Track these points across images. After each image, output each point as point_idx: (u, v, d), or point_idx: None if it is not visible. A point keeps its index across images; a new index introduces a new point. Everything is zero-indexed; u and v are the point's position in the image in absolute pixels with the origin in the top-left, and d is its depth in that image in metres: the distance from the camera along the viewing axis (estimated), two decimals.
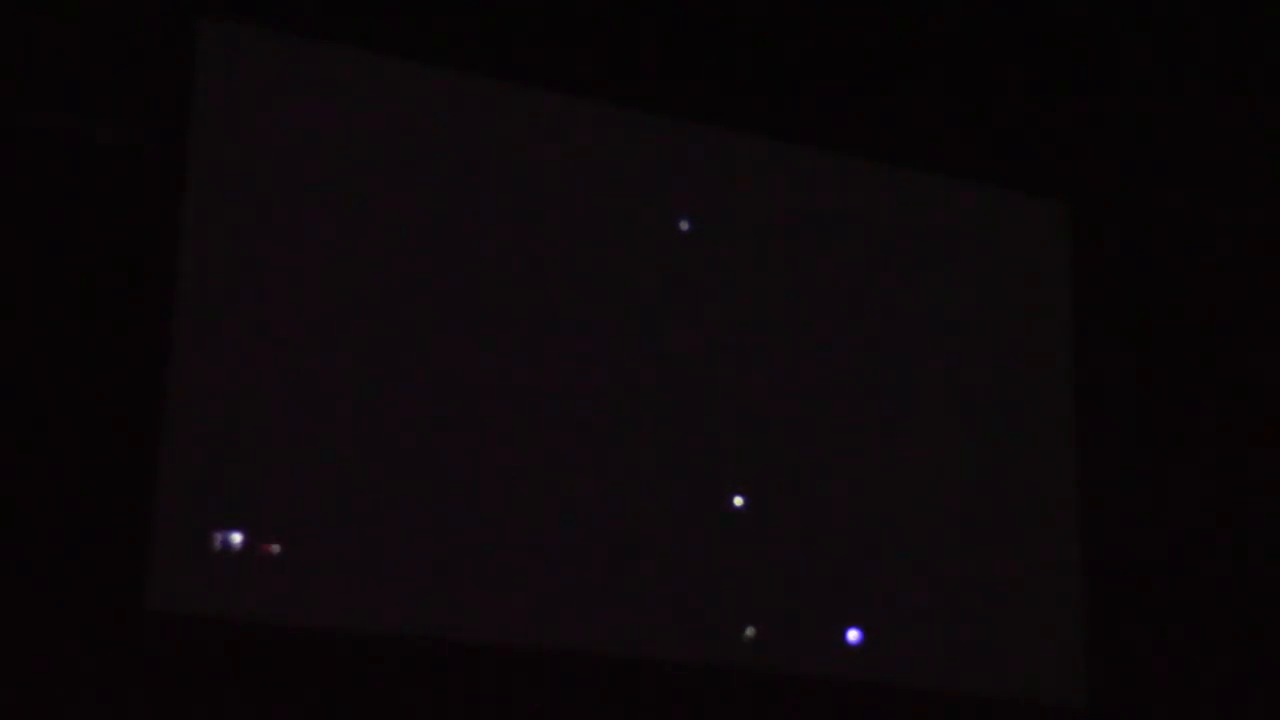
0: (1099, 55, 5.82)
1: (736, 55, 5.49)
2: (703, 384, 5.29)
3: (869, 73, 5.61)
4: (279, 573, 4.73)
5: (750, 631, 5.21)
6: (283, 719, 4.68)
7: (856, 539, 5.38)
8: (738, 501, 5.25)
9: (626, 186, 5.33)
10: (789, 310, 5.44)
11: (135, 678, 4.54)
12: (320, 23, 5.03)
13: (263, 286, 4.84)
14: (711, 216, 5.41)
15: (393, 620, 4.83)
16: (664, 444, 5.22)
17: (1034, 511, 5.63)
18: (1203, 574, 5.64)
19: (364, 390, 4.89)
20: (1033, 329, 5.78)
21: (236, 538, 4.70)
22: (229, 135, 4.88)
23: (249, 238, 4.86)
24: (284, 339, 4.84)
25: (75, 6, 4.79)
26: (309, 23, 5.02)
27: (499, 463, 5.01)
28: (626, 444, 5.18)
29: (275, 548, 4.72)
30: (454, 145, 5.14)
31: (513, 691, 4.92)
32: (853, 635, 5.33)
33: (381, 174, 5.03)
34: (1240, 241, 5.85)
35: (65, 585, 4.51)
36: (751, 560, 5.24)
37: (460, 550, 4.92)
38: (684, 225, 5.38)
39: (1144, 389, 5.80)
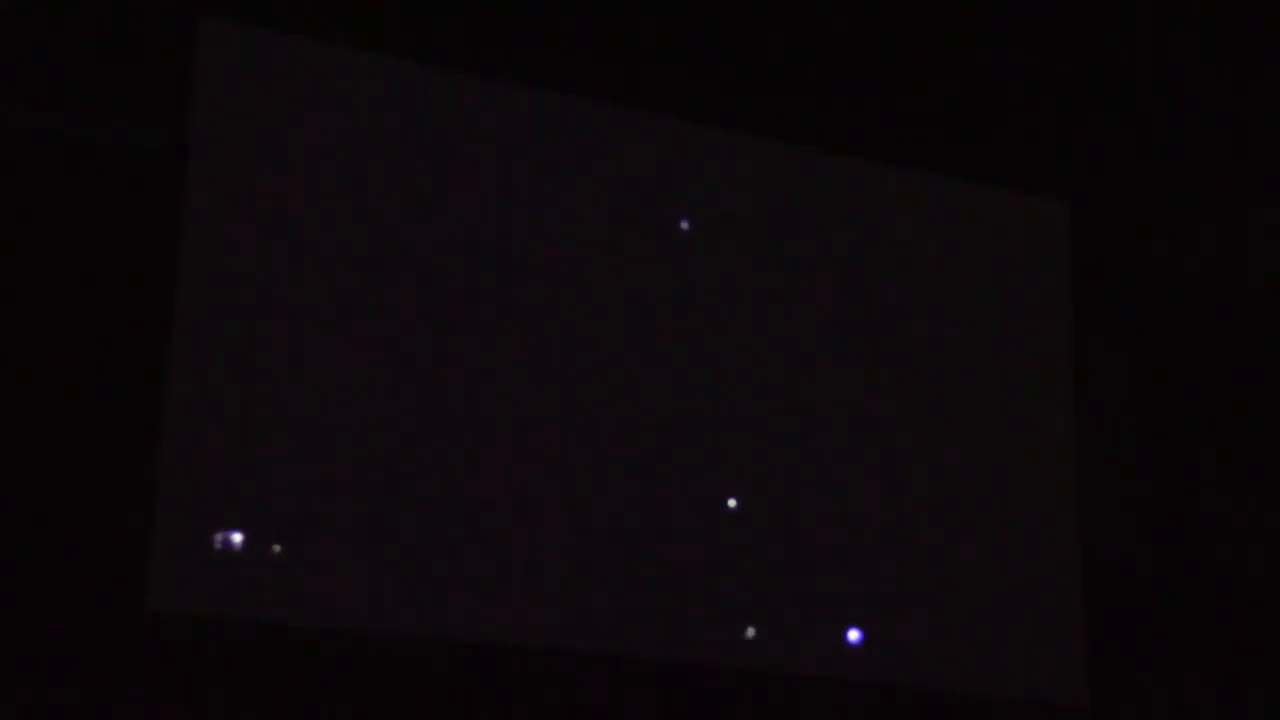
0: (1099, 55, 5.82)
1: (737, 55, 5.48)
2: (702, 384, 5.29)
3: (869, 73, 5.61)
4: (279, 573, 4.73)
5: (750, 631, 5.21)
6: (283, 719, 4.68)
7: (856, 539, 5.38)
8: (731, 503, 5.25)
9: (626, 186, 5.33)
10: (788, 310, 5.44)
11: (135, 678, 4.54)
12: (320, 23, 5.03)
13: (263, 287, 4.84)
14: (711, 216, 5.41)
15: (393, 620, 4.83)
16: (664, 443, 5.21)
17: (1034, 511, 5.63)
18: (1202, 574, 5.64)
19: (364, 390, 4.89)
20: (1033, 329, 5.78)
21: (236, 538, 4.70)
22: (229, 135, 4.88)
23: (249, 237, 4.86)
24: (284, 339, 4.84)
25: (75, 6, 4.79)
26: (309, 23, 5.02)
27: (498, 463, 5.01)
28: (627, 443, 5.18)
29: (276, 547, 4.73)
30: (453, 145, 5.14)
31: (512, 692, 4.92)
32: (853, 635, 5.33)
33: (381, 174, 5.03)
34: (1240, 241, 5.85)
35: (65, 585, 4.51)
36: (751, 560, 5.23)
37: (460, 550, 4.91)
38: (684, 225, 5.38)
39: (1144, 389, 5.80)
